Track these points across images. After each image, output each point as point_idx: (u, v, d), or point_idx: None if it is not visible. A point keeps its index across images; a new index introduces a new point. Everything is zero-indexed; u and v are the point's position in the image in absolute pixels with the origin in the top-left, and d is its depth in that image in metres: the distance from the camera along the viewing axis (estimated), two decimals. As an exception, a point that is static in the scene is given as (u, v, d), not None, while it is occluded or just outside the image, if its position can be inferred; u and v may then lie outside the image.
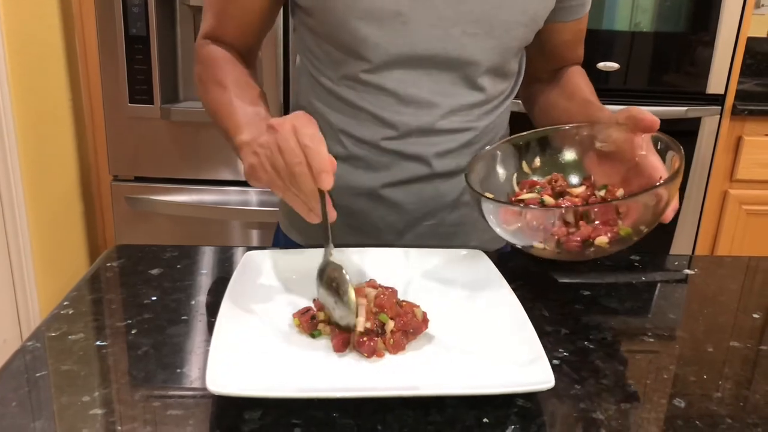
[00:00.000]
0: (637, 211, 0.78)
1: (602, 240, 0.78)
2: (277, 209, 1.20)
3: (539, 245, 0.81)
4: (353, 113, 0.97)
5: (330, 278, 0.76)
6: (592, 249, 0.79)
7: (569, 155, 0.94)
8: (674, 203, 0.81)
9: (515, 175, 0.94)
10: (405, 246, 0.94)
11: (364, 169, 1.00)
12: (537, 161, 0.95)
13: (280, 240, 1.13)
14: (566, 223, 0.79)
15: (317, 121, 1.01)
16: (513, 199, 0.90)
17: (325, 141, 0.74)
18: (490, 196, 0.85)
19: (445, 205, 1.03)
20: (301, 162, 0.72)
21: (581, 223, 0.79)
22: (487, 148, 0.94)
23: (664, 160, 0.84)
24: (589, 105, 1.00)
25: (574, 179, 0.93)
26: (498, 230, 0.84)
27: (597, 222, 0.79)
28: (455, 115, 0.97)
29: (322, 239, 0.78)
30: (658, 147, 0.85)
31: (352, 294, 0.74)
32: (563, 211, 0.81)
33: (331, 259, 0.78)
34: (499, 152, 0.94)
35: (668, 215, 0.81)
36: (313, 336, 0.74)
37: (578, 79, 1.08)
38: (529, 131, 0.96)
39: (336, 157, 1.00)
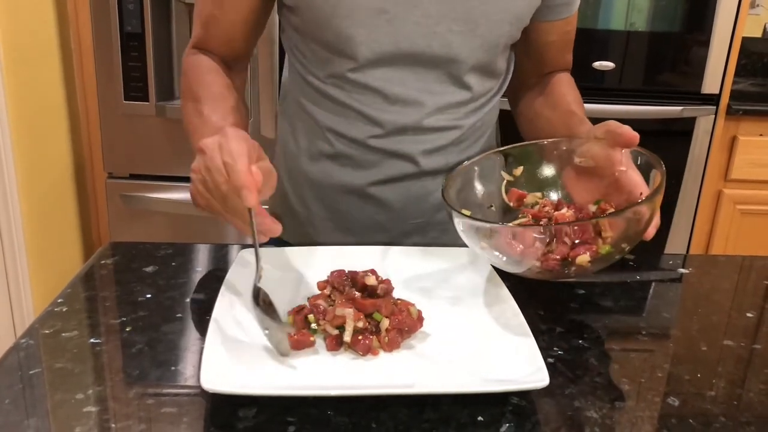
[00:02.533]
0: (617, 229, 0.76)
1: (583, 258, 0.75)
2: (268, 207, 1.20)
3: (516, 264, 0.79)
4: (340, 111, 0.97)
5: (265, 303, 0.73)
6: (573, 268, 0.76)
7: (548, 171, 0.92)
8: (656, 220, 0.78)
9: (503, 184, 0.92)
10: (392, 244, 0.94)
11: (352, 168, 1.00)
12: (518, 171, 0.93)
13: None
14: (546, 243, 0.77)
15: (305, 119, 1.02)
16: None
17: (245, 154, 0.70)
18: (467, 213, 0.82)
19: (432, 204, 1.03)
20: (226, 180, 0.71)
21: (561, 242, 0.76)
22: (465, 162, 0.92)
23: (645, 175, 0.81)
24: (571, 116, 0.98)
25: (554, 195, 0.91)
26: (476, 249, 0.81)
27: (576, 240, 0.76)
28: (442, 113, 0.97)
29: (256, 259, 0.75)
30: (638, 162, 0.83)
31: (283, 320, 0.73)
32: (541, 230, 0.78)
33: (259, 285, 0.74)
34: (476, 167, 0.92)
35: (650, 233, 0.79)
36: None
37: (564, 87, 1.06)
38: (507, 146, 0.95)
39: (323, 156, 1.01)
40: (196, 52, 1.00)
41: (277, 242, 1.10)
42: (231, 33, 0.99)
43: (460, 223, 0.80)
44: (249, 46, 1.03)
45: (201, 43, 1.00)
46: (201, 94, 0.93)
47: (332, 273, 0.81)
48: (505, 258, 0.79)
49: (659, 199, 0.76)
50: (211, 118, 0.89)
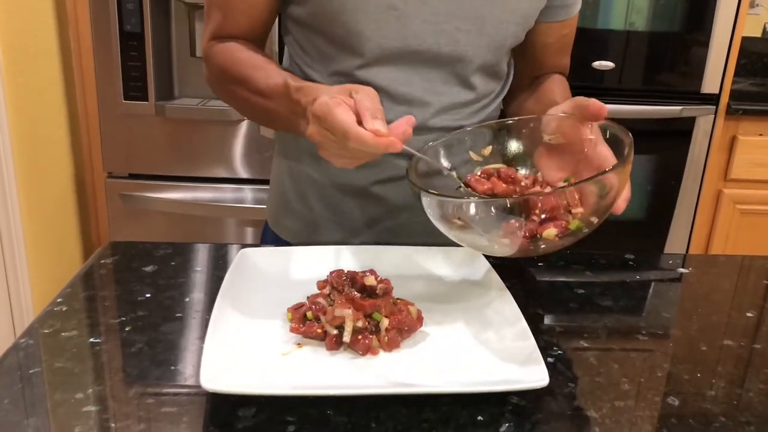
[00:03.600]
0: (586, 201, 0.73)
1: (550, 232, 0.72)
2: (267, 207, 1.19)
3: (485, 242, 0.77)
4: None
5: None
6: (540, 243, 0.74)
7: (517, 149, 0.90)
8: (626, 193, 0.77)
9: (473, 164, 0.90)
10: (394, 243, 0.94)
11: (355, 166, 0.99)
12: (487, 150, 0.90)
13: (268, 236, 1.13)
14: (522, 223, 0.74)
15: None
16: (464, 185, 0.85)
17: (354, 124, 0.72)
18: (435, 192, 0.79)
19: None
20: (362, 151, 0.72)
21: (530, 218, 0.74)
22: (429, 143, 0.90)
23: (617, 149, 0.78)
24: (552, 106, 0.97)
25: (523, 171, 0.88)
26: (442, 228, 0.79)
27: (544, 216, 0.73)
28: (447, 113, 0.97)
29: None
30: (607, 136, 0.80)
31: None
32: (508, 202, 0.75)
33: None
34: (441, 149, 0.90)
35: (620, 206, 0.76)
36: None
37: (553, 84, 1.05)
38: (476, 124, 0.94)
39: None
40: (217, 42, 0.97)
41: (278, 242, 1.10)
42: (253, 16, 0.97)
43: (428, 203, 0.77)
44: (268, 27, 1.01)
45: (221, 31, 0.97)
46: (246, 73, 0.92)
47: (331, 273, 0.81)
48: (478, 238, 0.77)
49: (628, 168, 0.74)
50: (272, 84, 0.89)
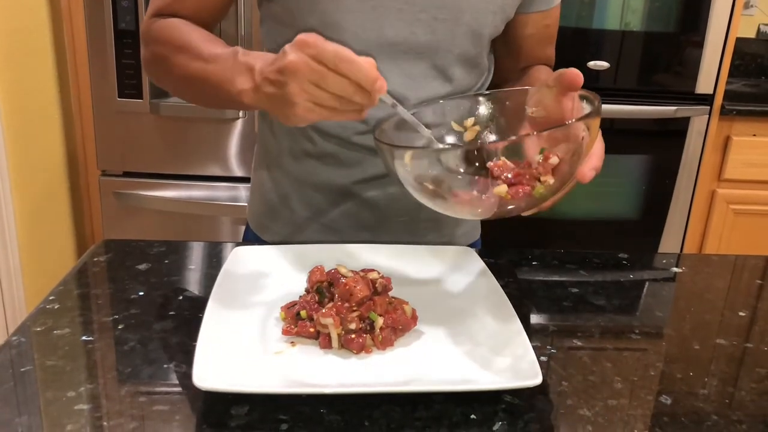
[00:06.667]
0: (558, 165, 0.72)
1: (501, 189, 0.71)
2: (248, 206, 1.18)
3: (453, 201, 0.75)
4: None
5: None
6: (492, 200, 0.72)
7: (501, 121, 0.88)
8: (595, 161, 0.76)
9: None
10: (377, 243, 0.94)
11: (335, 166, 0.99)
12: (469, 121, 0.88)
13: (249, 239, 1.13)
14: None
15: None
16: None
17: (347, 49, 0.69)
18: (408, 146, 0.77)
19: (418, 202, 1.02)
20: (346, 84, 0.69)
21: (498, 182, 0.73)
22: (413, 111, 0.86)
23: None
24: None
25: (492, 137, 0.87)
26: (414, 192, 0.77)
27: (511, 176, 0.72)
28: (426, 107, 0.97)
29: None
30: (584, 105, 0.79)
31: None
32: (475, 150, 0.74)
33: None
34: (421, 116, 0.87)
35: (587, 173, 0.75)
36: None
37: (539, 73, 1.04)
38: (460, 95, 0.92)
39: (306, 154, 1.00)
40: (157, 19, 0.93)
41: (257, 242, 1.09)
42: (200, 2, 0.93)
43: (401, 162, 0.75)
44: (216, 18, 0.97)
45: (165, 10, 0.93)
46: (189, 41, 0.87)
47: (310, 278, 0.80)
48: (451, 199, 0.76)
49: (596, 123, 0.73)
50: (218, 51, 0.83)
